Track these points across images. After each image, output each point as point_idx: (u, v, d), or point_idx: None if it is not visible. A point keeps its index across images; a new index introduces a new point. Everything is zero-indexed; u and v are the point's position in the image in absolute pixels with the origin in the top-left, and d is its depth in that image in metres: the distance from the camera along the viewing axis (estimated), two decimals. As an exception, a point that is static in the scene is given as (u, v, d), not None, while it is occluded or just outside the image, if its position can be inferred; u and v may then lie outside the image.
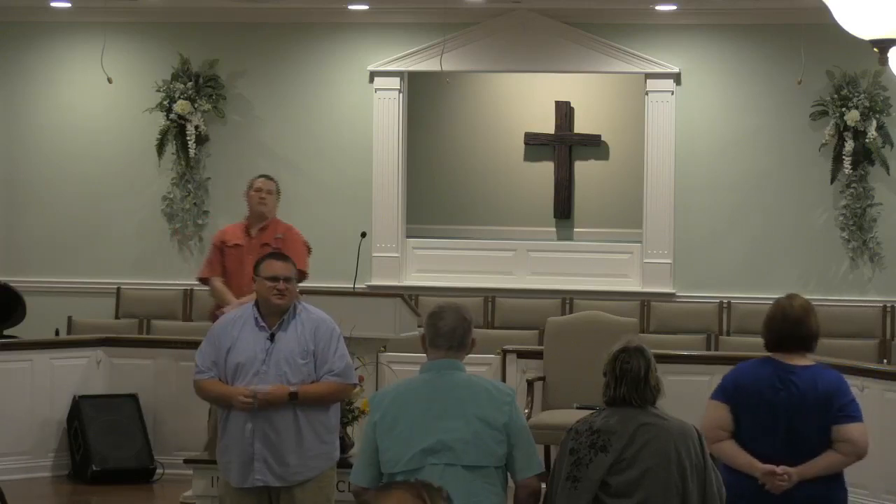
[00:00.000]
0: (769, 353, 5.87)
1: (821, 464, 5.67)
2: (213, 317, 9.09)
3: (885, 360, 11.79)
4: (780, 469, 5.63)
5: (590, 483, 5.26)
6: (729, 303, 12.66)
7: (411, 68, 13.17)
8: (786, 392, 5.69)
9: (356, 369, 7.89)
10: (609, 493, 5.26)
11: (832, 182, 12.59)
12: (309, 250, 9.24)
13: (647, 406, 5.35)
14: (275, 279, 6.40)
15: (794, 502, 5.66)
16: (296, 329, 6.41)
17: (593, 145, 14.38)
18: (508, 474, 5.30)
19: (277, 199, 9.29)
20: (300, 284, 9.08)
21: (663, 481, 5.24)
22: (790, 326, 5.78)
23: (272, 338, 6.39)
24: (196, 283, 10.58)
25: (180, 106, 13.03)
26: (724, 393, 5.82)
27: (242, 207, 9.47)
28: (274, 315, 6.42)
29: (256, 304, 6.49)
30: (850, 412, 5.70)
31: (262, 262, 6.55)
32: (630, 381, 5.33)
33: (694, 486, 5.28)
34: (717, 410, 5.79)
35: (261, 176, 9.44)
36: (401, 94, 13.20)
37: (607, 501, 5.27)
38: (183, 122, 13.10)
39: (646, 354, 5.40)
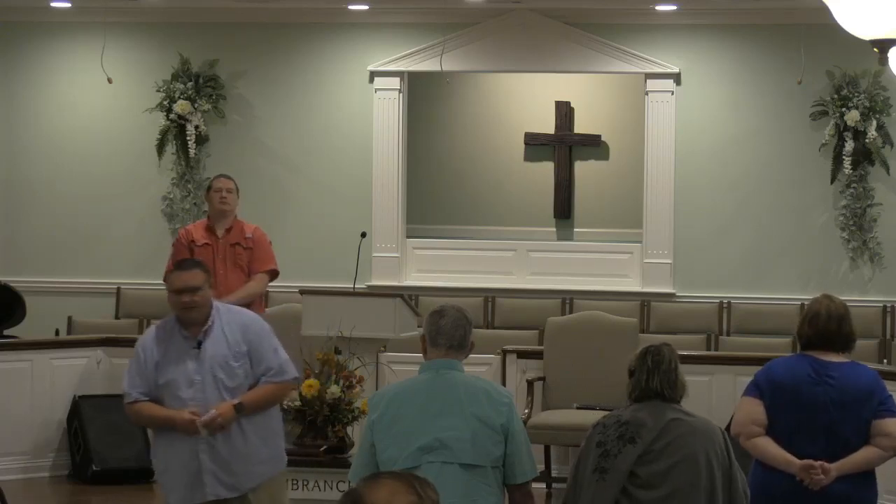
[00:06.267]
0: (803, 352, 5.79)
1: (859, 458, 5.59)
2: None
3: (885, 360, 11.79)
4: (818, 463, 5.53)
5: (618, 474, 5.28)
6: (729, 303, 12.65)
7: (411, 68, 13.17)
8: (824, 387, 5.61)
9: (356, 369, 7.89)
10: (637, 485, 5.28)
11: (832, 182, 12.58)
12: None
13: (676, 401, 5.40)
14: (180, 292, 6.14)
15: (830, 499, 5.57)
16: (222, 333, 6.18)
17: (593, 145, 14.37)
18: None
19: (238, 198, 9.22)
20: (272, 283, 9.26)
21: (691, 476, 5.25)
22: (835, 326, 5.70)
23: (199, 346, 6.15)
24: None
25: (180, 106, 13.02)
26: (758, 389, 5.72)
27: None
28: (195, 324, 6.17)
29: (177, 315, 6.22)
30: (890, 406, 5.65)
31: (170, 275, 6.33)
32: (663, 371, 5.39)
33: (720, 485, 5.29)
34: (752, 406, 5.70)
35: (220, 176, 9.45)
36: (401, 95, 13.19)
37: (634, 493, 5.29)
38: (183, 122, 13.10)
39: (672, 349, 5.51)
